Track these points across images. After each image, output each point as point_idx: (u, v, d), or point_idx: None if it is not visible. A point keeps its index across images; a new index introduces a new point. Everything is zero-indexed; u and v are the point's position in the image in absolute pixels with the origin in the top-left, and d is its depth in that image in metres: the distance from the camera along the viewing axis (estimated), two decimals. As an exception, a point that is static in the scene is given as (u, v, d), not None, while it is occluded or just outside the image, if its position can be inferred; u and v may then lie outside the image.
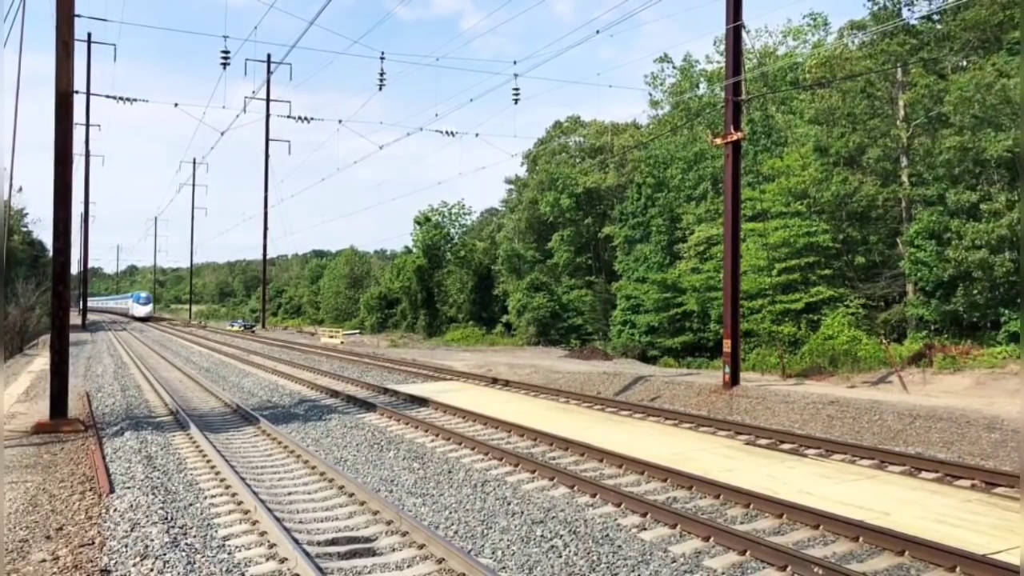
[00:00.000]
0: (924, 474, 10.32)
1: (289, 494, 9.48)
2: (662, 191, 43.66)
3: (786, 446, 12.17)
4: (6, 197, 14.50)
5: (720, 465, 10.51)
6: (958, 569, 6.55)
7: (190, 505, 8.74)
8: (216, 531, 7.80)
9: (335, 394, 18.88)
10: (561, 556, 7.09)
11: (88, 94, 44.23)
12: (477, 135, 37.57)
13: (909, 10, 32.19)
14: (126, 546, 7.24)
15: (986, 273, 24.59)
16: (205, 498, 9.09)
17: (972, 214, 25.41)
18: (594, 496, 9.06)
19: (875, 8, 32.79)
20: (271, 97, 41.46)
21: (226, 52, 26.63)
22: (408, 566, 6.90)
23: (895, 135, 30.29)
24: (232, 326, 67.57)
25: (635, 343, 39.41)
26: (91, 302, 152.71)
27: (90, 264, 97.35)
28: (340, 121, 29.68)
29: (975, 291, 25.18)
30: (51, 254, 14.86)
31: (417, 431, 13.73)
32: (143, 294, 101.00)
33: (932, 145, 27.71)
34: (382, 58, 24.52)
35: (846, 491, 9.13)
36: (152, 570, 6.67)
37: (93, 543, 7.42)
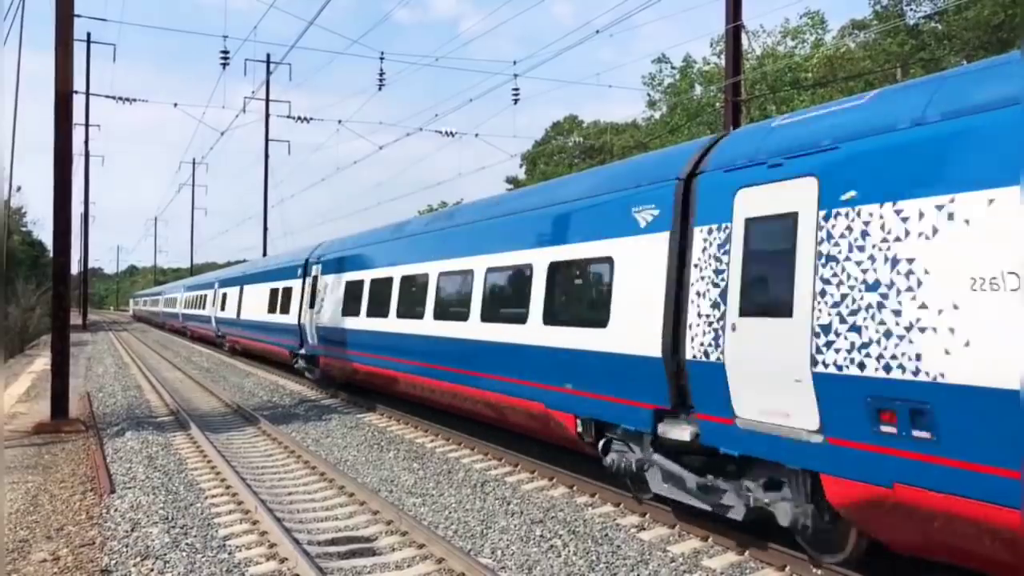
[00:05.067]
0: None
1: (289, 494, 9.50)
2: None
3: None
4: (6, 197, 14.54)
5: (719, 465, 10.49)
6: (957, 569, 6.24)
7: (190, 505, 8.76)
8: (216, 531, 7.82)
9: (335, 394, 18.89)
10: (560, 556, 7.11)
11: (88, 94, 44.11)
12: (477, 135, 37.51)
13: (912, 9, 32.18)
14: (127, 546, 7.27)
15: None
16: (206, 498, 9.11)
17: None
18: (593, 496, 9.08)
19: (877, 7, 32.79)
20: (271, 97, 41.39)
21: (225, 52, 26.59)
22: (408, 566, 6.92)
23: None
24: None
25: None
26: (138, 302, 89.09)
27: (90, 264, 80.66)
28: (340, 121, 29.72)
29: None
30: (51, 254, 14.88)
31: (417, 431, 13.74)
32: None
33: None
34: (381, 58, 24.43)
35: (845, 491, 9.09)
36: (153, 570, 6.69)
37: (94, 543, 7.45)
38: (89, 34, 47.57)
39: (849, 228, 5.87)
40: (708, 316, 7.04)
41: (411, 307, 13.36)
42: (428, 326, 12.52)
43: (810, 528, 6.36)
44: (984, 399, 4.94)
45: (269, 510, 8.11)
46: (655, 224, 7.79)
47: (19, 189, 59.18)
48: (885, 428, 5.52)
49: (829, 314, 5.92)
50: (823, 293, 6.00)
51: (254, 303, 25.95)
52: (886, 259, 5.56)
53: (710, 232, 7.12)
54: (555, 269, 9.44)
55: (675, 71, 48.54)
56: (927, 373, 5.22)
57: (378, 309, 14.70)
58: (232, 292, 30.76)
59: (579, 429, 8.74)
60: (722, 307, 6.86)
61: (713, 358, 6.89)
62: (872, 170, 5.79)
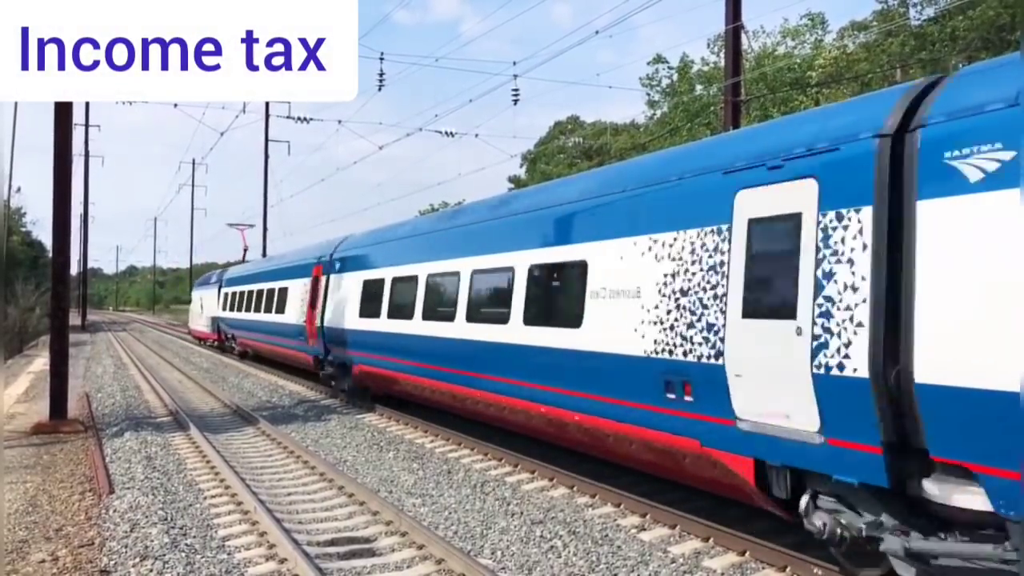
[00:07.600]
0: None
1: (289, 495, 9.49)
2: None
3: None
4: (5, 197, 14.53)
5: (720, 466, 10.48)
6: (958, 570, 6.43)
7: (190, 506, 8.75)
8: (216, 532, 7.81)
9: (335, 394, 18.87)
10: (560, 556, 7.09)
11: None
12: (477, 136, 37.58)
13: (916, 11, 32.08)
14: (126, 547, 7.26)
15: None
16: (205, 499, 9.09)
17: None
18: (593, 496, 9.06)
19: (882, 7, 32.75)
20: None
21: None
22: (408, 566, 6.91)
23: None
24: None
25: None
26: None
27: (89, 265, 77.98)
28: (339, 121, 29.71)
29: None
30: (50, 255, 14.87)
31: (417, 431, 13.73)
32: None
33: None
34: (381, 59, 24.42)
35: (846, 492, 9.08)
36: (152, 571, 6.68)
37: (93, 544, 7.44)
38: (89, 34, 47.48)
39: None
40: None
41: (266, 306, 23.95)
42: (261, 316, 24.21)
43: (355, 389, 15.54)
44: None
45: (268, 510, 8.10)
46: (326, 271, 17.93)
47: (19, 190, 59.13)
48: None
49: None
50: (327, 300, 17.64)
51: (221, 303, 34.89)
52: None
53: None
54: (275, 291, 22.48)
55: (672, 71, 48.48)
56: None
57: (254, 306, 25.53)
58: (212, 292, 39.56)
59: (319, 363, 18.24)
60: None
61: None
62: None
